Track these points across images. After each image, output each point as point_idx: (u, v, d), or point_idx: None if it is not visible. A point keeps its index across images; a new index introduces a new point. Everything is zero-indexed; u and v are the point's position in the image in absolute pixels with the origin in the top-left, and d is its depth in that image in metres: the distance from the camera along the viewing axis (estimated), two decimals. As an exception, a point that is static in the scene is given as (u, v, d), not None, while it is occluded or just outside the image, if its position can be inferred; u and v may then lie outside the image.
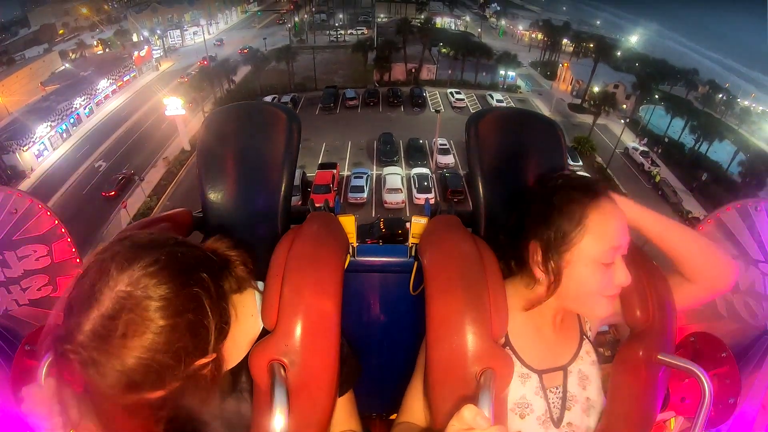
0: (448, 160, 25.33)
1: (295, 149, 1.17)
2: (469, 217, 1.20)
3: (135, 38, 47.22)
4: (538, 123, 1.27)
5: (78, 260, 1.36)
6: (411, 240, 1.30)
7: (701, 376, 0.91)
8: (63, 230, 1.34)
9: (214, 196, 1.17)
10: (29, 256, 1.33)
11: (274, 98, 33.75)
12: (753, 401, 1.10)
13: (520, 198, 1.01)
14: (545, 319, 1.00)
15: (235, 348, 0.90)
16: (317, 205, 1.22)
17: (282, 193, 1.15)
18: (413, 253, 1.34)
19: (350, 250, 1.22)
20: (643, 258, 1.02)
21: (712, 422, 1.07)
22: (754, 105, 36.57)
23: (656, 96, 33.35)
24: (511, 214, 1.02)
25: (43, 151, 27.38)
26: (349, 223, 1.21)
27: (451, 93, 35.95)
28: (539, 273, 0.94)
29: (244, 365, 0.90)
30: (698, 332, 1.22)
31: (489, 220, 1.17)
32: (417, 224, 1.25)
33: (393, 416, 1.09)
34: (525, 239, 0.96)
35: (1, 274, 1.33)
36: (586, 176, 0.99)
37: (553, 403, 0.99)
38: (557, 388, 1.00)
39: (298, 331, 0.82)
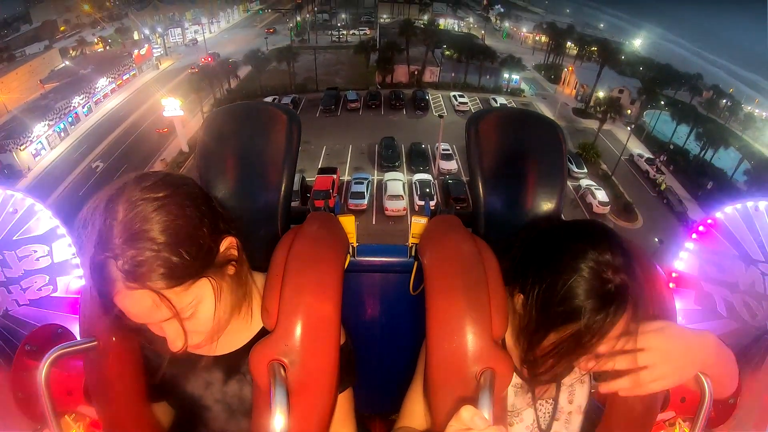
0: (451, 165, 25.11)
1: (296, 149, 1.17)
2: (469, 217, 1.20)
3: (136, 36, 47.10)
4: (539, 123, 1.27)
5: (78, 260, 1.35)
6: (411, 240, 1.30)
7: (701, 376, 0.90)
8: (63, 230, 1.34)
9: (213, 195, 1.17)
10: (29, 256, 1.33)
11: (275, 99, 33.60)
12: (753, 401, 1.09)
13: (546, 231, 0.89)
14: None
15: (245, 325, 0.93)
16: (317, 205, 1.23)
17: (282, 193, 1.15)
18: (413, 253, 1.34)
19: (350, 250, 1.22)
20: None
21: (712, 422, 1.07)
22: (758, 111, 36.08)
23: (661, 102, 32.79)
24: (532, 232, 0.92)
25: (41, 150, 27.21)
26: (349, 223, 1.21)
27: (454, 96, 35.66)
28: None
29: (248, 349, 0.90)
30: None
31: (489, 221, 1.17)
32: (417, 224, 1.25)
33: (393, 416, 1.09)
34: (517, 277, 0.88)
35: (1, 274, 1.33)
36: (616, 279, 0.76)
37: (542, 414, 0.99)
38: (549, 400, 1.00)
39: (298, 331, 0.82)
